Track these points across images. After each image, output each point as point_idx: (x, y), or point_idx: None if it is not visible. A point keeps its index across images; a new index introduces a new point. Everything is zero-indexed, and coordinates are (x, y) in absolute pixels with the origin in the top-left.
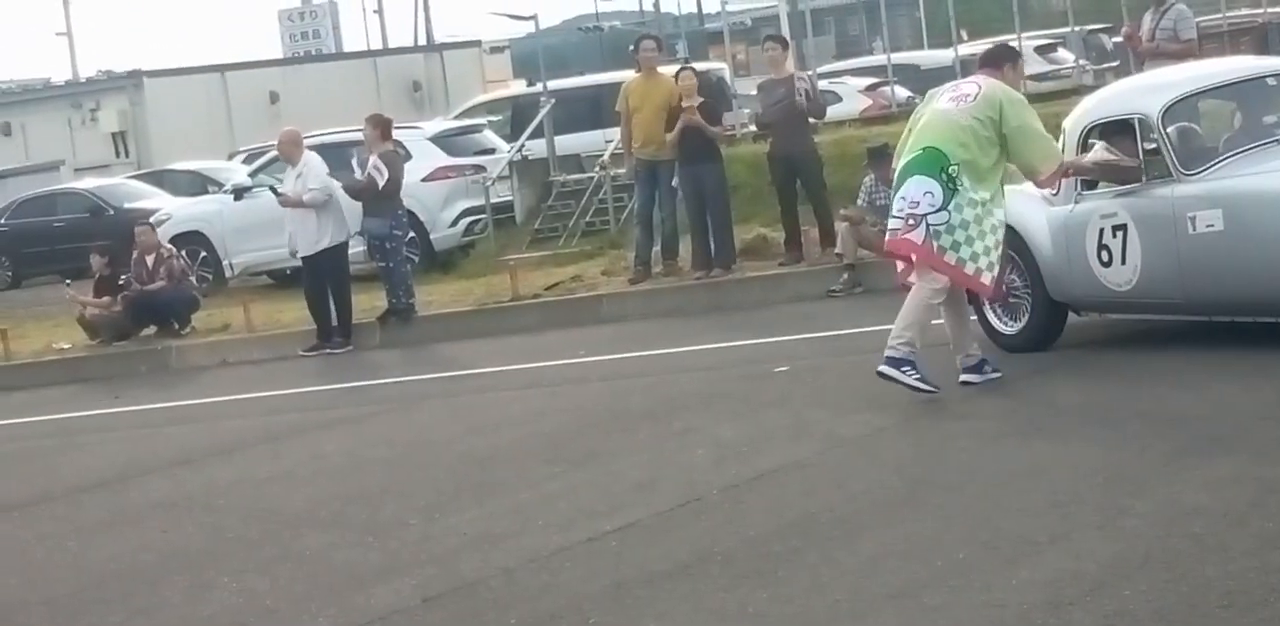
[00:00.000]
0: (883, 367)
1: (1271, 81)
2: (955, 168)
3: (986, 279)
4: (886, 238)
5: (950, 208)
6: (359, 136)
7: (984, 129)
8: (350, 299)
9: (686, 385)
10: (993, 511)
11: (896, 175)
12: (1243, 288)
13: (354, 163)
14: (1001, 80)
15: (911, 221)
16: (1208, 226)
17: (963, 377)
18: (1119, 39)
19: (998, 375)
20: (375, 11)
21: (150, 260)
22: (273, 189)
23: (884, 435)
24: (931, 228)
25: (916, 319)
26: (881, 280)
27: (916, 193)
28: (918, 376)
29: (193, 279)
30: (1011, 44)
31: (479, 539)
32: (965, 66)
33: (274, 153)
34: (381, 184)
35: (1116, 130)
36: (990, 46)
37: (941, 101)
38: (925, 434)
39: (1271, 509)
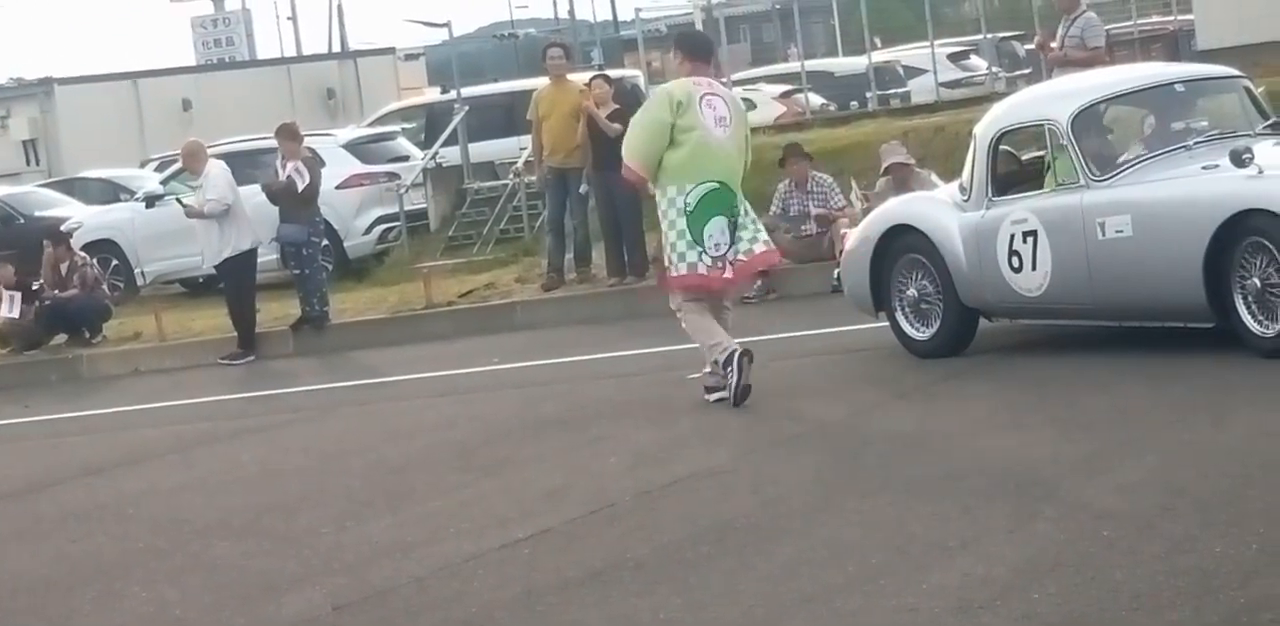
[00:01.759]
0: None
1: (1180, 88)
2: (738, 198)
3: (768, 244)
4: (711, 273)
5: (735, 238)
6: (270, 144)
7: (742, 147)
8: (251, 309)
9: (600, 392)
10: (905, 516)
11: (698, 203)
12: (1151, 292)
13: (278, 165)
14: (711, 74)
15: (720, 263)
16: (1117, 232)
17: (693, 375)
18: (1031, 47)
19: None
20: (289, 18)
21: (63, 268)
22: (178, 199)
23: (798, 441)
24: (733, 258)
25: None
26: (795, 286)
27: (721, 235)
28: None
29: (105, 287)
30: (707, 32)
31: (391, 547)
32: (879, 73)
33: None
34: (301, 187)
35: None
36: (688, 33)
37: (709, 122)
38: (839, 440)
39: (1180, 512)
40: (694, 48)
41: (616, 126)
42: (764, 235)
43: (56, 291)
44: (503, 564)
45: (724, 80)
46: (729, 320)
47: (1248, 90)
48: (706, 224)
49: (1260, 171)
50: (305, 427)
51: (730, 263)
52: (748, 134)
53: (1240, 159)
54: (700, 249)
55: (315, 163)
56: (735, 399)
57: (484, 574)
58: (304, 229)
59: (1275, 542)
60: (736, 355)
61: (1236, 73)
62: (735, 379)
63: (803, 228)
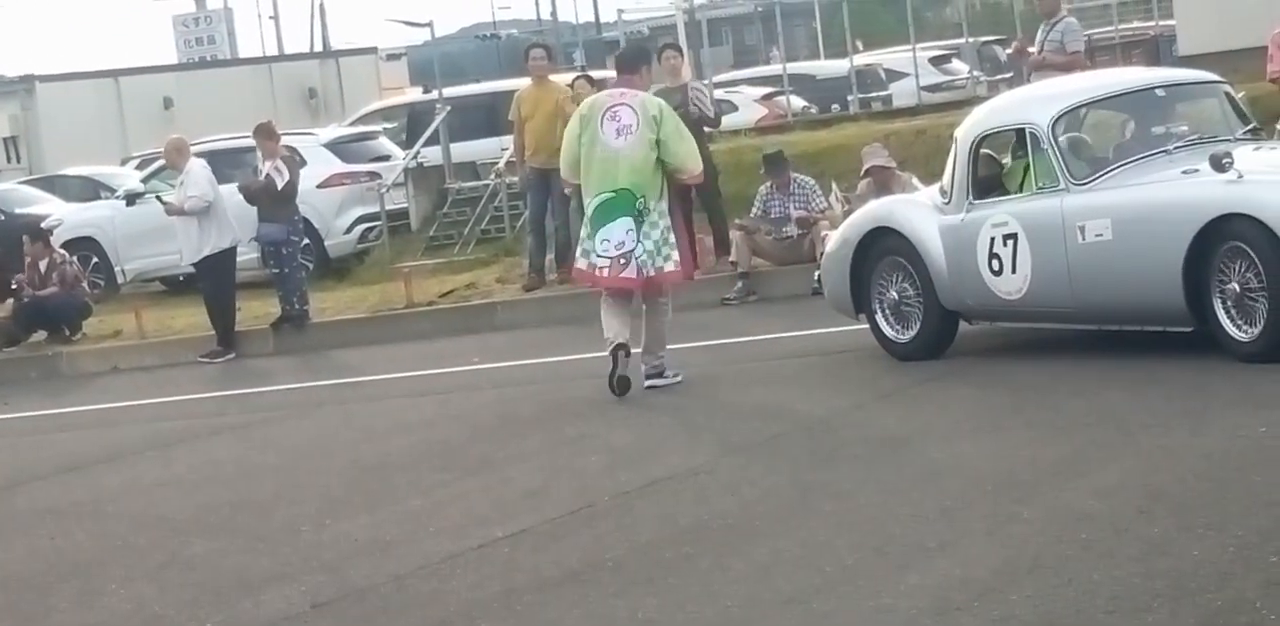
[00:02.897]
0: (648, 382)
1: (1160, 92)
2: (641, 200)
3: (676, 265)
4: (601, 273)
5: (643, 236)
6: (251, 143)
7: (651, 149)
8: (231, 307)
9: (580, 392)
10: (884, 518)
11: (594, 211)
12: (1131, 296)
13: (258, 165)
14: (637, 84)
15: (623, 260)
16: (1097, 236)
17: (647, 383)
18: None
19: (679, 379)
20: (271, 17)
21: (42, 265)
22: (158, 197)
23: (777, 442)
24: (638, 259)
25: (660, 337)
26: (776, 288)
27: (620, 234)
28: (673, 372)
29: (85, 285)
30: (644, 45)
31: (370, 545)
32: (860, 77)
33: None
34: (281, 185)
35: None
36: (622, 49)
37: (608, 135)
38: (818, 441)
39: (1157, 515)
40: (620, 61)
41: None
42: (672, 252)
43: (33, 291)
44: (482, 563)
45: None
46: (657, 320)
47: (1228, 95)
48: (601, 228)
49: (1240, 176)
50: (284, 426)
51: (639, 267)
52: (656, 137)
53: (1220, 164)
54: (593, 250)
55: (294, 161)
56: (613, 389)
57: (463, 573)
58: (283, 228)
59: (1251, 546)
60: (611, 348)
61: (1217, 78)
62: (610, 369)
63: (784, 230)
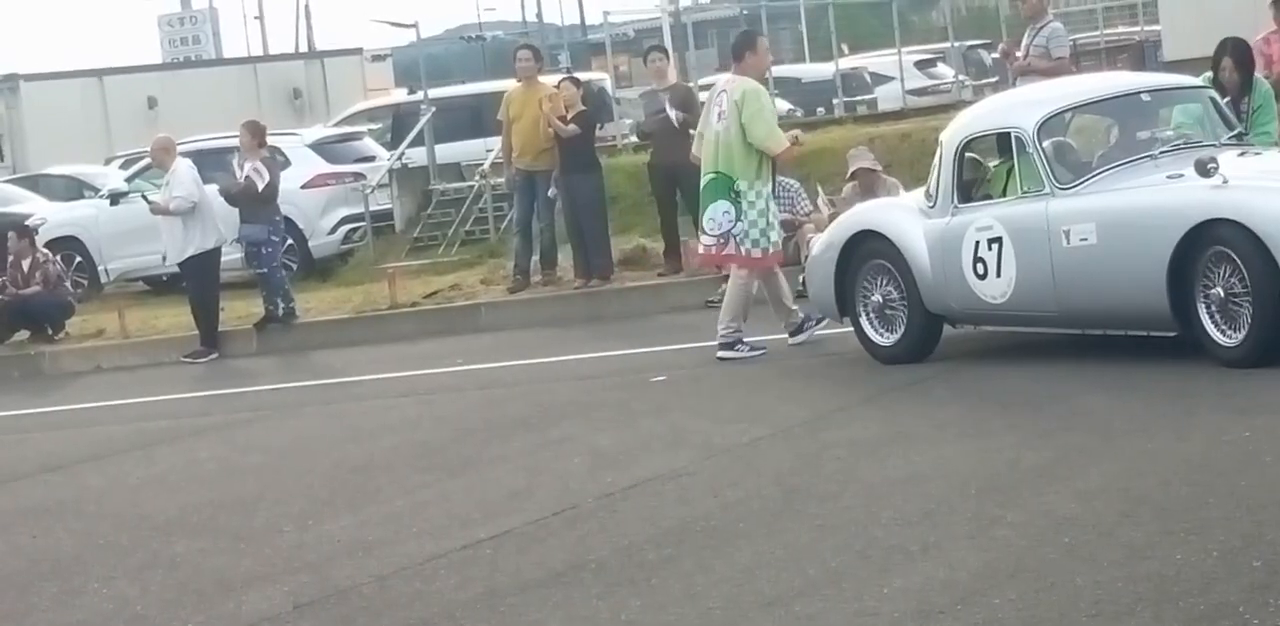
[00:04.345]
0: (720, 353)
1: (1146, 97)
2: (738, 183)
3: (774, 250)
4: (703, 252)
5: (742, 217)
6: (235, 143)
7: (741, 133)
8: (215, 307)
9: (564, 394)
10: (867, 521)
11: (701, 190)
12: (1115, 300)
13: (235, 165)
14: (743, 70)
15: (723, 240)
16: (1081, 240)
17: (790, 340)
18: (997, 55)
19: (756, 354)
20: (256, 18)
21: (26, 264)
22: (144, 196)
23: (760, 445)
24: (735, 238)
25: (737, 307)
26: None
27: (719, 215)
28: (748, 347)
29: (68, 284)
30: (750, 31)
31: (352, 546)
32: (845, 80)
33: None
34: (261, 186)
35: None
36: (734, 38)
37: (712, 119)
38: (801, 443)
39: (1140, 519)
40: (731, 49)
41: (572, 129)
42: (762, 236)
43: (16, 290)
44: (465, 564)
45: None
46: (733, 289)
47: (1213, 100)
48: (706, 209)
49: (1225, 181)
50: (267, 426)
51: (738, 245)
52: (741, 122)
53: (1205, 169)
54: (702, 230)
55: (274, 162)
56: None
57: (446, 574)
58: (264, 228)
59: (1234, 550)
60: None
61: (1202, 83)
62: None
63: None
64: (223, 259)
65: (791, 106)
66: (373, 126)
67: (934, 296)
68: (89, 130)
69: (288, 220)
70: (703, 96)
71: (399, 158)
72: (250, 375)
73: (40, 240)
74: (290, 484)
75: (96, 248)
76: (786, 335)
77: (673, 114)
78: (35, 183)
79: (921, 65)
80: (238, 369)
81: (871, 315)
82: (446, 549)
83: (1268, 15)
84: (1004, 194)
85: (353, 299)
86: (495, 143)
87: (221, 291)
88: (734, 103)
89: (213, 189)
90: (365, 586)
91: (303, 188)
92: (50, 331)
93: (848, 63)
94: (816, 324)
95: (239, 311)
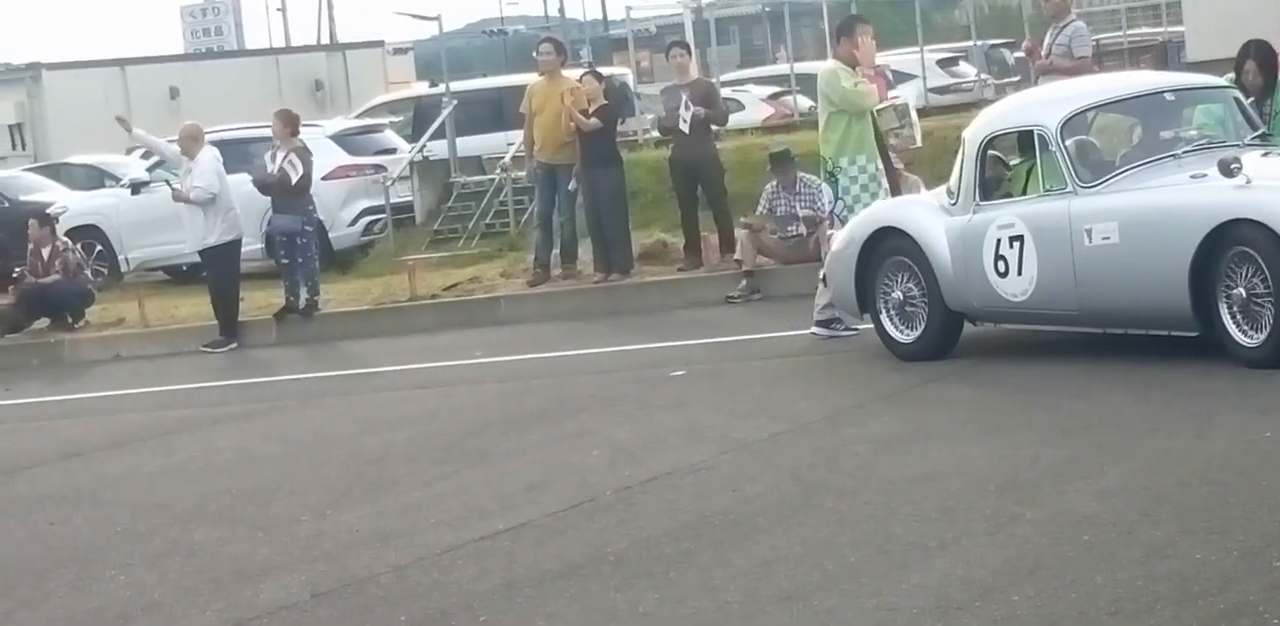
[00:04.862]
0: (814, 329)
1: (1169, 97)
2: (830, 163)
3: None
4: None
5: (841, 195)
6: (260, 133)
7: (827, 115)
8: (235, 297)
9: (582, 387)
10: (885, 516)
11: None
12: (1136, 300)
13: (267, 157)
14: (838, 55)
15: (830, 222)
16: (1103, 239)
17: (813, 329)
18: (1020, 54)
19: (850, 334)
20: (279, 9)
21: (46, 253)
22: (168, 182)
23: (779, 440)
24: (837, 216)
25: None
26: (780, 287)
27: (823, 195)
28: (843, 326)
29: (88, 273)
30: (855, 15)
31: (370, 536)
32: None
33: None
34: (295, 180)
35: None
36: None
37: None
38: (820, 439)
39: (1160, 518)
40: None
41: (594, 122)
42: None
43: (35, 278)
44: (482, 555)
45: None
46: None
47: (1237, 101)
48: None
49: (1248, 181)
50: (286, 416)
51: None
52: (827, 101)
53: (1229, 169)
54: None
55: (307, 153)
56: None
57: (463, 564)
58: (297, 219)
59: (1254, 550)
60: None
61: (1226, 83)
62: None
63: (789, 228)
64: (243, 249)
65: (813, 103)
66: (394, 119)
67: (955, 294)
68: (111, 120)
69: None
70: (725, 92)
71: (420, 150)
72: (269, 365)
73: (61, 229)
74: (308, 474)
75: (117, 237)
76: (813, 323)
77: (684, 114)
78: (57, 171)
79: (944, 64)
80: (257, 359)
81: (892, 312)
82: (464, 540)
83: None
84: (1026, 192)
85: (372, 290)
86: (516, 136)
87: (241, 282)
88: (820, 90)
89: (235, 178)
90: (383, 576)
91: (323, 179)
92: (70, 319)
93: None
94: (844, 331)
95: (258, 302)
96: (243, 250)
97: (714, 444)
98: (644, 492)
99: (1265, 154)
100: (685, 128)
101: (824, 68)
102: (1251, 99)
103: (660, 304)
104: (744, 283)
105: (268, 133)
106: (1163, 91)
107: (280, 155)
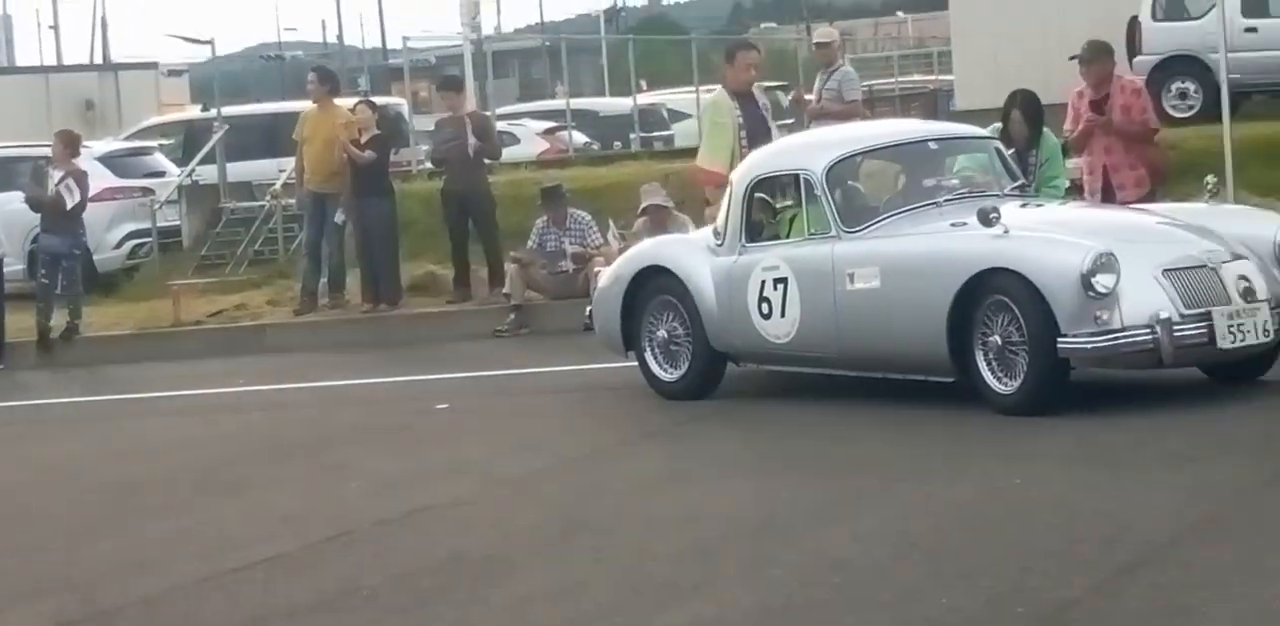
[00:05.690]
0: None
1: (933, 146)
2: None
3: None
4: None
5: None
6: (25, 152)
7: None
8: (2, 318)
9: (346, 418)
10: (642, 556)
11: None
12: (896, 345)
13: (49, 175)
14: (724, 83)
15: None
16: (865, 284)
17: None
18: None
19: None
20: (51, 27)
21: None
22: None
23: (541, 476)
24: None
25: None
26: (548, 322)
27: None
28: None
29: None
30: (741, 39)
31: (121, 566)
32: (643, 115)
33: None
34: (71, 204)
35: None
36: None
37: None
38: (582, 476)
39: (912, 562)
40: None
41: (369, 154)
42: None
43: None
44: (235, 587)
45: (489, 113)
46: None
47: (998, 151)
48: None
49: (1006, 231)
50: (42, 441)
51: None
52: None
53: (988, 218)
54: None
55: (85, 176)
56: None
57: (215, 596)
58: (67, 241)
59: (1000, 596)
60: None
61: (989, 134)
62: None
63: (559, 264)
64: (5, 269)
65: (588, 139)
66: (164, 142)
67: (719, 334)
68: None
69: None
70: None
71: (189, 174)
72: (29, 389)
73: None
74: (60, 501)
75: None
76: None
77: (471, 142)
78: None
79: None
80: (17, 382)
81: (656, 350)
82: (218, 571)
83: (1056, 70)
84: (791, 235)
85: (136, 315)
86: (288, 163)
87: (5, 302)
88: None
89: (11, 196)
90: (131, 608)
91: (90, 200)
92: None
93: (646, 98)
94: None
95: (18, 323)
96: (6, 270)
97: (475, 478)
98: (403, 526)
99: (1024, 204)
100: (471, 152)
101: (707, 99)
102: (1013, 150)
103: (428, 336)
104: (512, 317)
105: (35, 152)
106: (927, 140)
107: (58, 176)
